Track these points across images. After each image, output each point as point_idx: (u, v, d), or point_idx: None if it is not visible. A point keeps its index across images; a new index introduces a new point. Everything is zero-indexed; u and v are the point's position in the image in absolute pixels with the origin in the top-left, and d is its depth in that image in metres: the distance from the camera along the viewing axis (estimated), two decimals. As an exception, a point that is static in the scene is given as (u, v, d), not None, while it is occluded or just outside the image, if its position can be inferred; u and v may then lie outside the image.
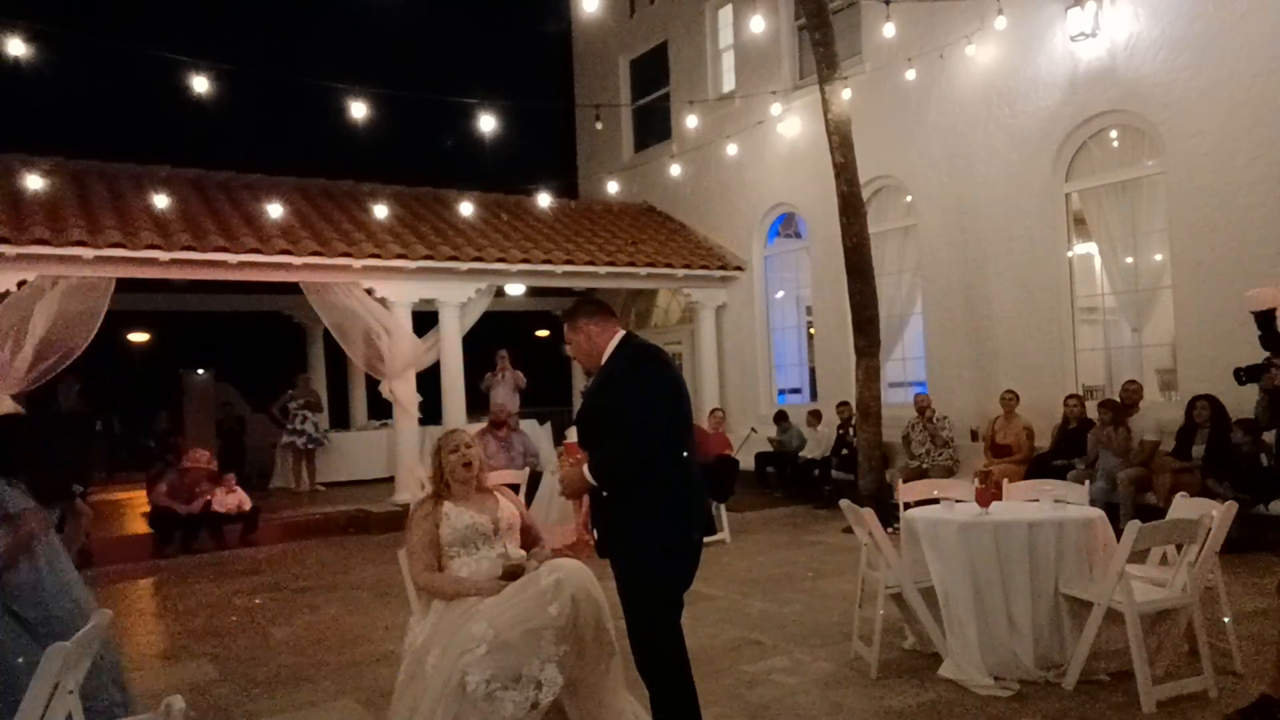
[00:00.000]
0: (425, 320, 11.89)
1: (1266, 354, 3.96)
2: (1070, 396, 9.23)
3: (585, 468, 3.48)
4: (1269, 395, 3.99)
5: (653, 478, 3.43)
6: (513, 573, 3.73)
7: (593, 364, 3.68)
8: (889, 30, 10.59)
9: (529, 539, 4.06)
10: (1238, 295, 8.26)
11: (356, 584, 7.87)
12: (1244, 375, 4.07)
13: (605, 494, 3.50)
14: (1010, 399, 9.70)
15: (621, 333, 3.69)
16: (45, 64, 7.17)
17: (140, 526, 10.26)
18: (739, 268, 13.72)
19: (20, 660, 3.18)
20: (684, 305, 14.72)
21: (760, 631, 5.77)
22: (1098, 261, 9.94)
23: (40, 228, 9.20)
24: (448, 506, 3.87)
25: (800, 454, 11.98)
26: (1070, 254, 9.95)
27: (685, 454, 3.56)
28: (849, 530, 7.18)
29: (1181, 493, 5.13)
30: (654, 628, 3.44)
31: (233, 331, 19.62)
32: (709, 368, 13.82)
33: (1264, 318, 4.03)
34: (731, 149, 13.22)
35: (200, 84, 7.89)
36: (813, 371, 13.38)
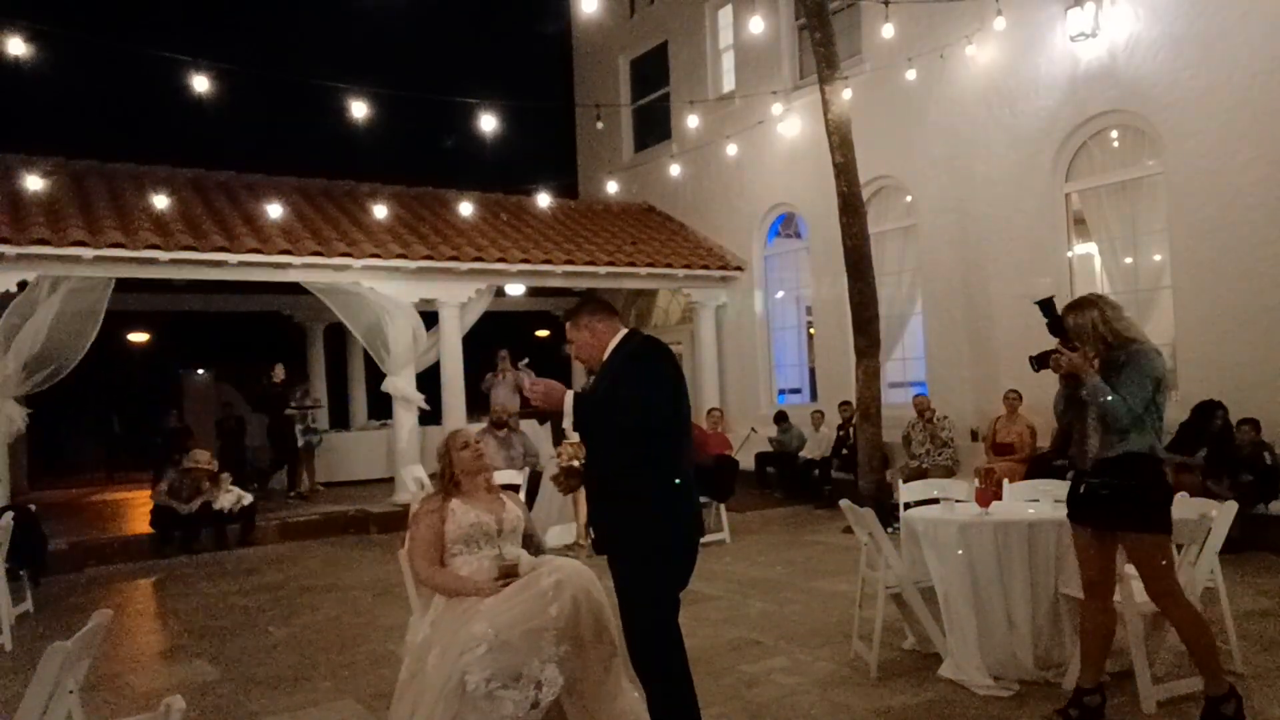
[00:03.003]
0: (425, 320, 11.89)
1: (1056, 339, 4.03)
2: (1070, 396, 9.21)
3: (567, 394, 3.43)
4: (1064, 384, 4.08)
5: (651, 475, 3.43)
6: (507, 572, 3.73)
7: (595, 362, 3.68)
8: (889, 30, 10.58)
9: (529, 547, 4.07)
10: (1238, 295, 8.31)
11: (356, 584, 7.87)
12: (1036, 363, 4.15)
13: (599, 489, 3.48)
14: (1014, 398, 9.70)
15: (624, 330, 3.69)
16: (45, 64, 7.17)
17: (140, 526, 10.27)
18: (739, 268, 13.71)
19: None
20: (684, 305, 14.71)
21: (760, 631, 5.77)
22: (1098, 261, 9.93)
23: (40, 228, 9.20)
24: (455, 503, 3.88)
25: (800, 454, 11.98)
26: (1070, 254, 9.94)
27: (682, 453, 3.55)
28: (849, 530, 7.18)
29: (1182, 493, 5.13)
30: (652, 628, 3.43)
31: (233, 331, 19.61)
32: (709, 368, 13.81)
33: (1046, 305, 4.10)
34: (731, 149, 13.22)
35: (200, 84, 7.88)
36: (813, 371, 13.37)
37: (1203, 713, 3.86)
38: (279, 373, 12.89)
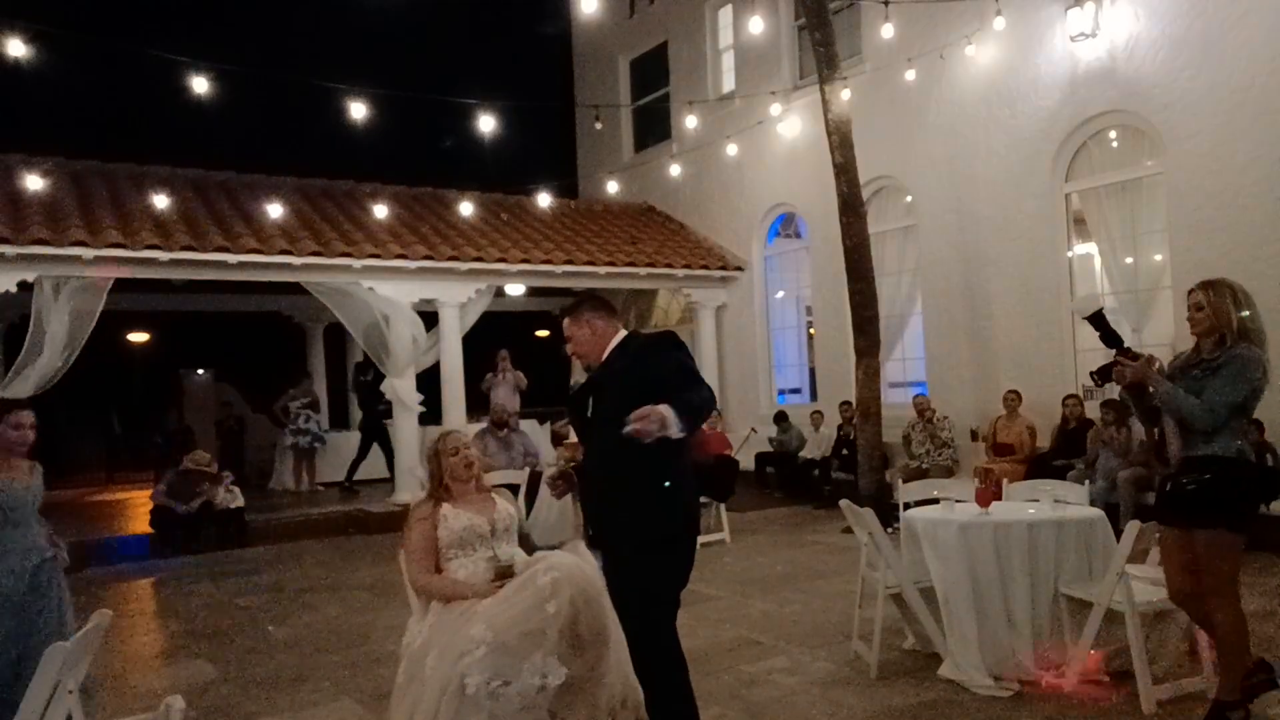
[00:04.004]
0: (425, 320, 11.90)
1: (1112, 351, 3.97)
2: (1069, 396, 9.22)
3: (666, 407, 3.06)
4: (1130, 394, 3.99)
5: (644, 470, 3.42)
6: (503, 574, 3.73)
7: (593, 359, 3.67)
8: (889, 30, 10.58)
9: (523, 548, 4.07)
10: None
11: (356, 584, 7.87)
12: (1098, 377, 4.07)
13: (594, 486, 3.48)
14: (1013, 399, 9.69)
15: (624, 332, 3.69)
16: (45, 64, 7.17)
17: (140, 526, 10.27)
18: (739, 268, 13.71)
19: None
20: (684, 305, 14.71)
21: (760, 631, 5.77)
22: (1098, 261, 9.94)
23: (40, 228, 9.20)
24: (445, 508, 3.87)
25: (800, 454, 11.98)
26: (1070, 254, 9.94)
27: (679, 449, 3.55)
28: (849, 530, 7.18)
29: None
30: (649, 628, 3.43)
31: (233, 331, 19.62)
32: (709, 368, 13.78)
33: (1096, 319, 4.02)
34: (731, 149, 13.21)
35: (200, 84, 7.88)
36: (813, 371, 13.37)
37: (1208, 715, 3.85)
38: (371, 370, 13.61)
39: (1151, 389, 3.80)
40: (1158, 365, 3.87)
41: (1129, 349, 3.93)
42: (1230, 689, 3.82)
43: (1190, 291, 3.90)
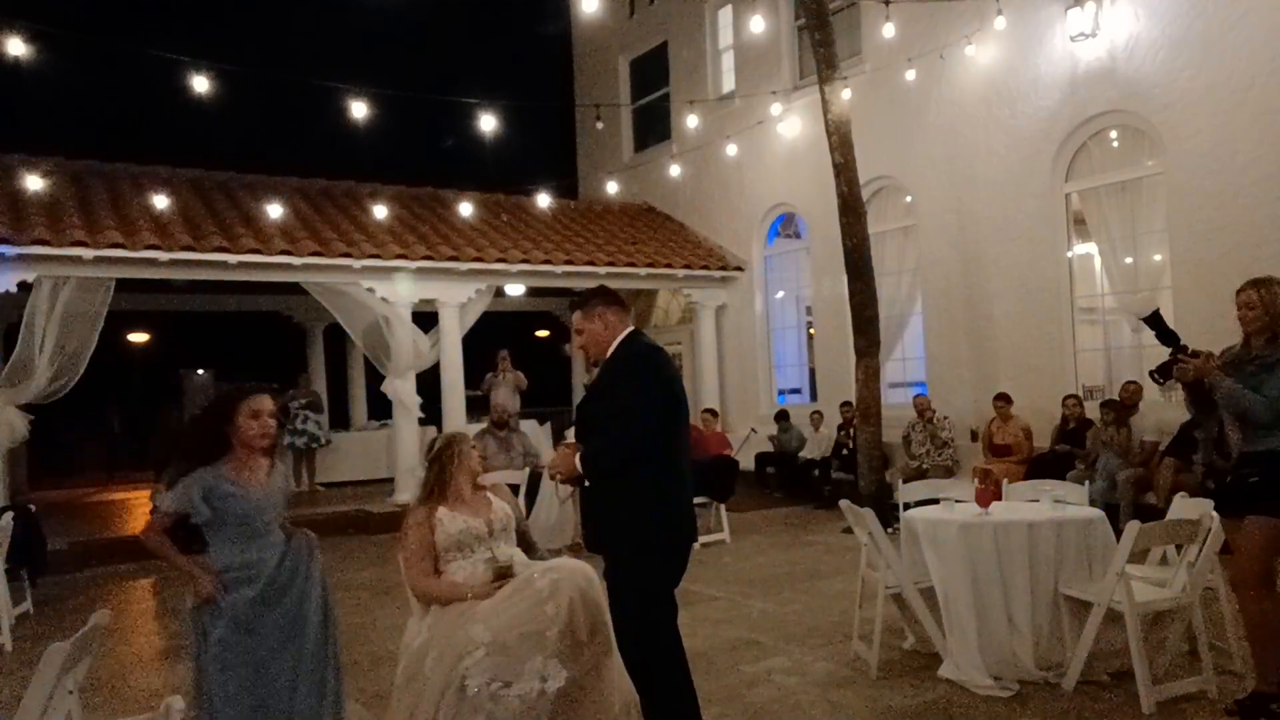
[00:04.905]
0: (425, 320, 11.90)
1: (1169, 349, 3.99)
2: (1069, 396, 9.21)
3: (576, 456, 3.47)
4: (1188, 390, 4.04)
5: (643, 473, 3.43)
6: (502, 574, 3.73)
7: (599, 354, 3.68)
8: (889, 30, 10.59)
9: (524, 545, 4.07)
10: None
11: (356, 584, 7.86)
12: (1158, 376, 4.11)
13: (588, 485, 3.51)
14: (1001, 404, 9.66)
15: (630, 328, 3.70)
16: (45, 64, 7.17)
17: (140, 526, 10.25)
18: (739, 268, 13.71)
19: None
20: (684, 305, 14.71)
21: (760, 631, 5.77)
22: (1098, 261, 9.94)
23: (40, 228, 9.20)
24: (442, 512, 3.87)
25: (800, 454, 11.98)
26: (1070, 254, 9.94)
27: (677, 453, 3.55)
28: (849, 530, 7.18)
29: (1181, 493, 5.13)
30: (647, 629, 3.43)
31: (233, 331, 19.64)
32: (709, 368, 13.81)
33: (1153, 319, 4.08)
34: (731, 149, 13.22)
35: (200, 84, 7.89)
36: (813, 371, 13.37)
37: (1247, 703, 3.84)
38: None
39: (1212, 386, 3.84)
40: (1215, 362, 3.89)
41: (1186, 346, 3.97)
42: (1271, 680, 3.80)
43: (1240, 290, 3.96)
